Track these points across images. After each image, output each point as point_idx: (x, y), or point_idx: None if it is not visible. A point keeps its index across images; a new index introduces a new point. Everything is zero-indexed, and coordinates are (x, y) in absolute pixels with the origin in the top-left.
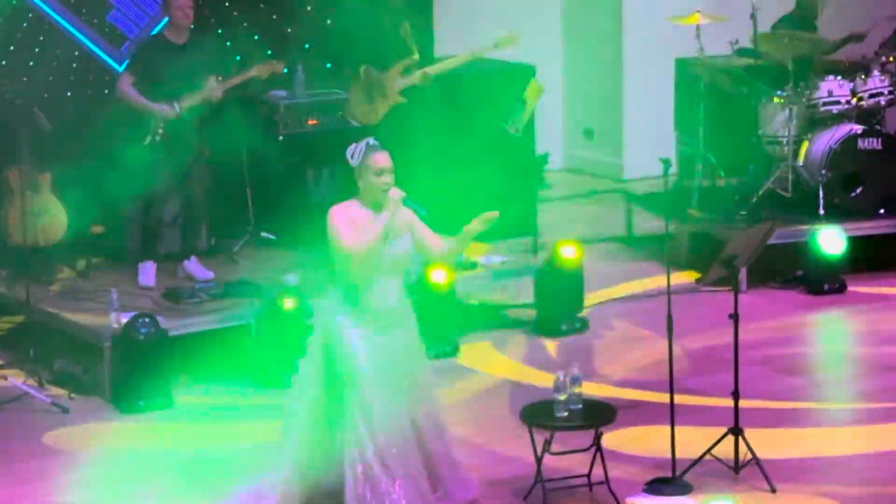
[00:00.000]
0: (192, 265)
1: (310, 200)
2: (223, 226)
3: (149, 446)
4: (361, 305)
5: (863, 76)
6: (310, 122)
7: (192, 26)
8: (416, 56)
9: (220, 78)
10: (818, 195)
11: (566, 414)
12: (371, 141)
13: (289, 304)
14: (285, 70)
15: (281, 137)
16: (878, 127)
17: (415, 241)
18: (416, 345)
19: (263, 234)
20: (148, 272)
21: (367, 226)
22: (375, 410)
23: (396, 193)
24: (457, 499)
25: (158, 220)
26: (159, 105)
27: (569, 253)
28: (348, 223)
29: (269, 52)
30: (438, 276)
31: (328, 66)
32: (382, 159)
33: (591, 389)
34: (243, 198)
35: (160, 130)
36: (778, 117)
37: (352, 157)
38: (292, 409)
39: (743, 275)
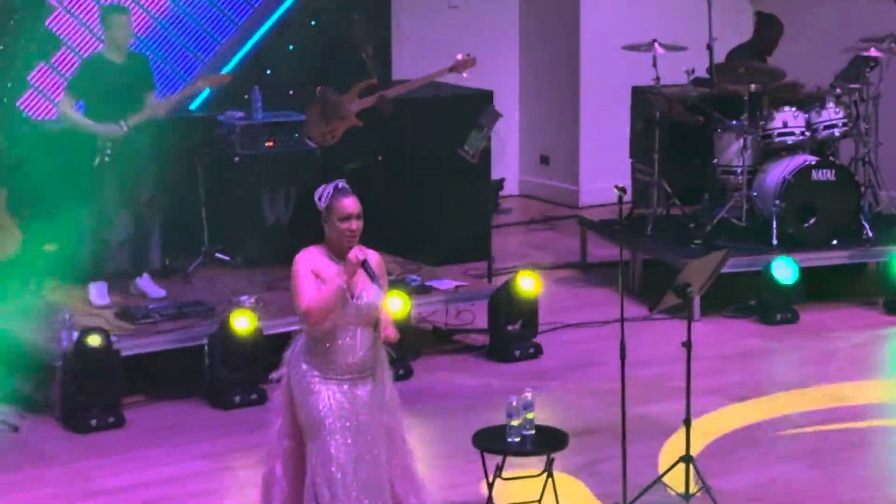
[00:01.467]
0: (145, 282)
1: (265, 222)
2: (177, 246)
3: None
4: (326, 358)
5: (818, 108)
6: (266, 144)
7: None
8: (375, 80)
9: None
10: (772, 225)
11: (518, 439)
12: (340, 184)
13: (242, 325)
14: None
15: (237, 158)
16: (832, 158)
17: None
18: (388, 396)
19: (218, 254)
20: (100, 291)
21: (327, 278)
22: (340, 464)
23: (356, 255)
24: None
25: (109, 240)
26: (105, 125)
27: (525, 282)
28: (310, 276)
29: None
30: (395, 305)
31: (290, 92)
32: (350, 205)
33: (544, 415)
34: (198, 218)
35: (108, 150)
36: (733, 147)
37: (319, 199)
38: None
39: (696, 303)
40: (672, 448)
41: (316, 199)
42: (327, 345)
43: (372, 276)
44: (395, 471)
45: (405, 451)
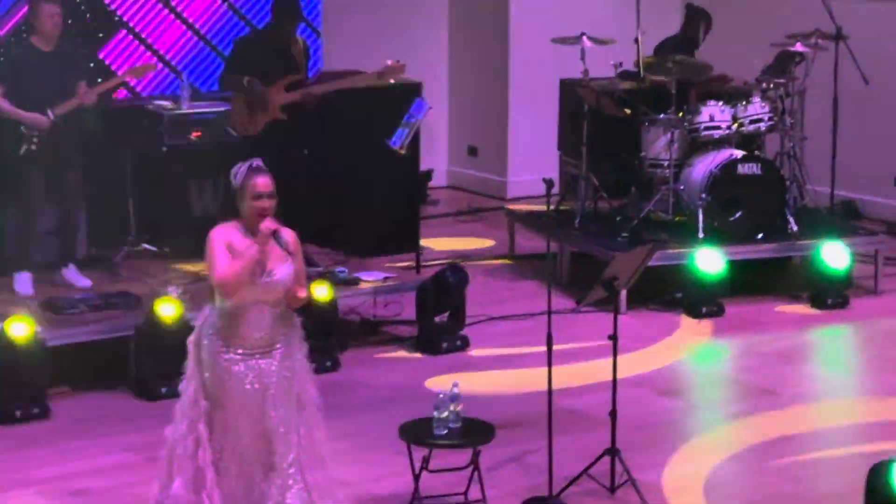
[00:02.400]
0: (70, 273)
1: (192, 212)
2: (104, 236)
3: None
4: (233, 332)
5: (744, 102)
6: (194, 134)
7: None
8: (302, 75)
9: (89, 84)
10: (698, 219)
11: (445, 432)
12: (255, 163)
13: (168, 315)
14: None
15: (164, 148)
16: (757, 152)
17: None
18: (299, 366)
19: (145, 245)
20: (24, 281)
21: (240, 253)
22: (240, 434)
23: (267, 227)
24: None
25: (34, 229)
26: (31, 114)
27: (454, 273)
28: (224, 249)
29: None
30: (321, 292)
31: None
32: (262, 183)
33: (471, 408)
34: (125, 208)
35: (34, 140)
36: (660, 141)
37: (234, 177)
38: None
39: (623, 296)
40: (597, 440)
41: (231, 176)
42: (235, 319)
43: (283, 247)
44: (302, 440)
45: (315, 422)
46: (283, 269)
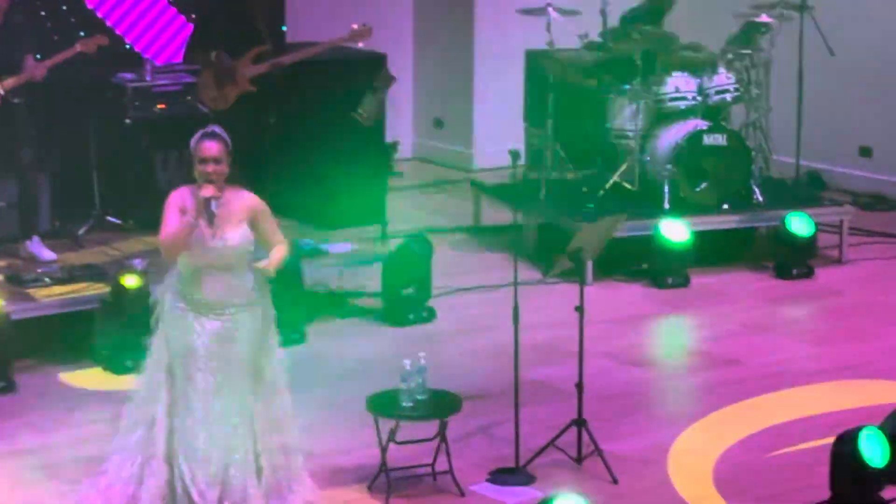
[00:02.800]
0: (35, 246)
1: (157, 185)
2: (68, 209)
3: None
4: (188, 292)
5: (710, 73)
6: (158, 107)
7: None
8: (268, 46)
9: (38, 57)
10: (664, 189)
11: (412, 404)
12: (211, 128)
13: (133, 287)
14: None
15: (128, 121)
16: (723, 123)
17: (259, 237)
18: (257, 340)
19: (109, 218)
20: None
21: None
22: (196, 389)
23: (204, 192)
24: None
25: None
26: None
27: (419, 245)
28: (175, 212)
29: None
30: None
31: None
32: (208, 148)
33: (437, 379)
34: (89, 181)
35: None
36: (626, 111)
37: (191, 141)
38: (141, 394)
39: (589, 267)
40: (564, 412)
41: (192, 143)
42: (191, 281)
43: (210, 216)
44: (257, 406)
45: (275, 391)
46: (234, 235)
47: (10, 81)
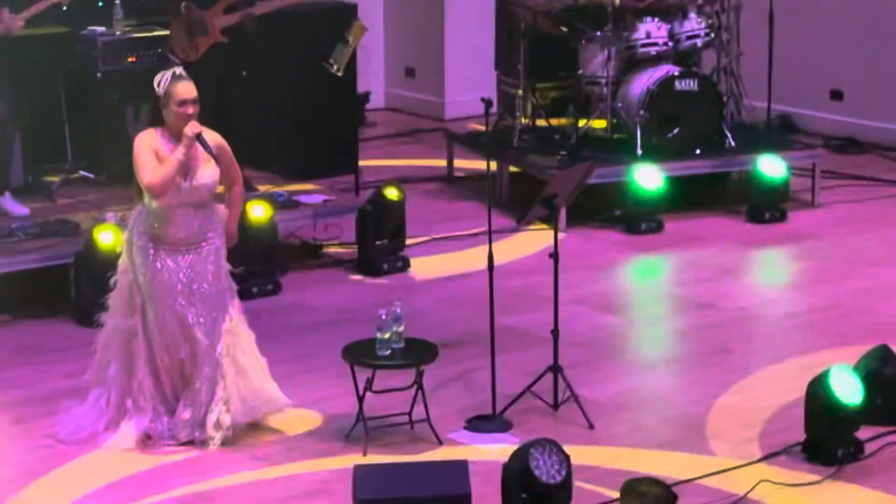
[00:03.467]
0: (7, 201)
1: (129, 138)
2: (40, 163)
3: None
4: (160, 232)
5: (680, 18)
6: (129, 59)
7: None
8: None
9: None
10: (636, 135)
11: (388, 353)
12: (178, 70)
13: (108, 241)
14: (101, 3)
15: (99, 74)
16: (694, 68)
17: (223, 172)
18: (216, 274)
19: (82, 172)
20: None
21: (166, 157)
22: (167, 329)
23: (192, 130)
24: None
25: None
26: None
27: (391, 193)
28: (150, 153)
29: None
30: (257, 212)
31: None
32: (185, 90)
33: (413, 328)
34: (61, 135)
35: None
36: (597, 58)
37: (158, 85)
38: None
39: (562, 214)
40: (540, 358)
41: (155, 84)
42: (163, 219)
43: (207, 149)
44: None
45: (233, 331)
46: (207, 173)
47: None
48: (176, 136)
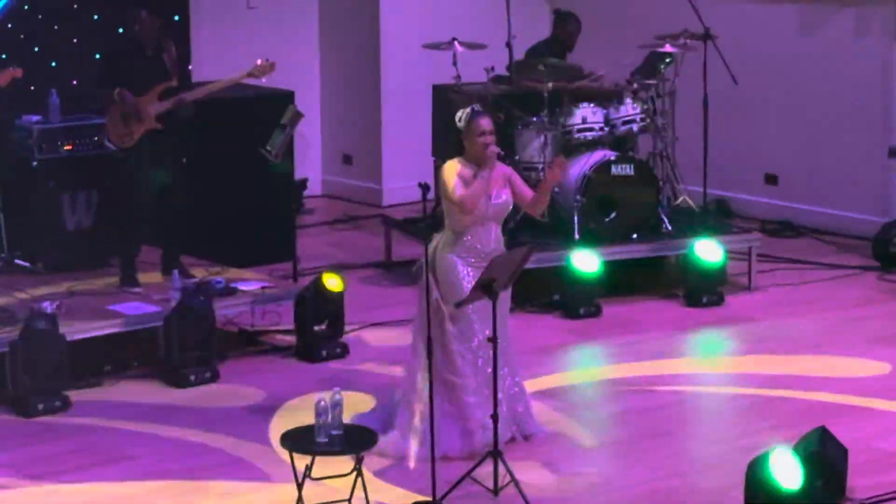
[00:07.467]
0: None
1: (65, 226)
2: None
3: None
4: (466, 246)
5: (616, 104)
6: (65, 147)
7: None
8: (175, 82)
9: None
10: (574, 220)
11: (327, 439)
12: (476, 107)
13: (45, 331)
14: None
15: (35, 163)
16: (631, 153)
17: (513, 192)
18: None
19: (17, 261)
20: None
21: (472, 181)
22: (478, 339)
23: (493, 151)
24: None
25: None
26: None
27: (331, 281)
28: (458, 178)
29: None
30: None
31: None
32: (485, 123)
33: (353, 414)
34: None
35: None
36: (534, 143)
37: (459, 120)
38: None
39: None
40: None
41: (456, 120)
42: (468, 237)
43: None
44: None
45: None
46: (504, 194)
47: None
48: (475, 163)
